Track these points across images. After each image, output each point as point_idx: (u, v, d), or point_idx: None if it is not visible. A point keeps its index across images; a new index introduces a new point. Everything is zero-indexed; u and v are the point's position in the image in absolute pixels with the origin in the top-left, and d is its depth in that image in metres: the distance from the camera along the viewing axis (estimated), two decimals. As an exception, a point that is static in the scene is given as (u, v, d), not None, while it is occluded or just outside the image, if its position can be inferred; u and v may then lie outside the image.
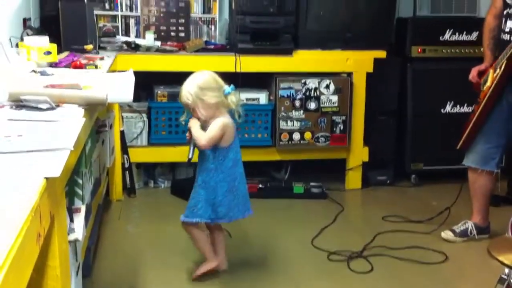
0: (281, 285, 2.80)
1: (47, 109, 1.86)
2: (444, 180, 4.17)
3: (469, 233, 3.29)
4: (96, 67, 2.83)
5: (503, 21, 3.02)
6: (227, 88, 2.61)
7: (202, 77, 2.61)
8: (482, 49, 3.25)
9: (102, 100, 1.98)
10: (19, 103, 1.90)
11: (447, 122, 4.11)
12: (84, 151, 2.08)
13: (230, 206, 2.68)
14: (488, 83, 3.03)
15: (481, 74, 3.18)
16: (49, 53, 2.76)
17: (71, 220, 1.84)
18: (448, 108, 4.14)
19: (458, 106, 4.14)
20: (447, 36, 4.08)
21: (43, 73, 2.52)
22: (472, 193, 3.29)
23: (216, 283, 2.80)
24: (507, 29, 2.98)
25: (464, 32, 4.07)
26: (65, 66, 2.76)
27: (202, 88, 2.57)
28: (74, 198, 2.00)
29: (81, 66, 2.76)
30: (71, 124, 1.68)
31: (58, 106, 1.92)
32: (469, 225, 3.30)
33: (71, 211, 1.88)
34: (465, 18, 4.20)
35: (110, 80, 2.45)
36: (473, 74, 3.20)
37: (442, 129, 4.12)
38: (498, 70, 2.97)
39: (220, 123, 2.59)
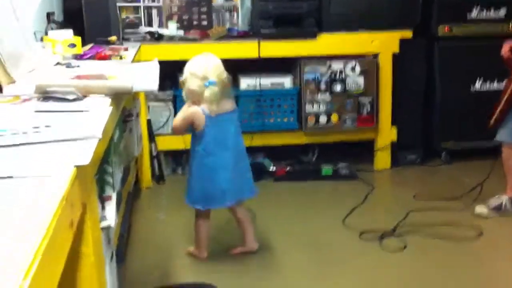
0: (314, 265, 2.80)
1: (74, 99, 1.88)
2: (474, 158, 4.12)
3: (503, 207, 3.25)
4: (120, 57, 2.85)
5: None
6: (209, 80, 2.61)
7: (196, 63, 2.68)
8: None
9: (128, 89, 2.00)
10: (45, 95, 1.93)
11: (476, 100, 4.04)
12: (113, 140, 2.11)
13: (206, 194, 2.76)
14: (523, 59, 2.96)
15: (513, 49, 3.11)
16: (73, 45, 2.80)
17: (103, 207, 1.87)
18: (477, 86, 4.07)
19: (487, 83, 4.07)
20: (474, 13, 3.99)
21: (68, 65, 2.55)
22: (506, 168, 3.24)
23: (251, 264, 2.82)
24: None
25: (492, 9, 3.99)
26: (90, 58, 2.79)
27: (190, 73, 2.65)
28: (105, 186, 2.03)
29: (105, 57, 2.79)
30: (98, 113, 1.70)
31: (85, 97, 1.94)
32: (503, 199, 3.26)
33: (103, 199, 1.91)
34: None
35: (135, 69, 2.47)
36: (505, 49, 3.14)
37: (471, 106, 4.05)
38: None
39: (187, 111, 2.69)
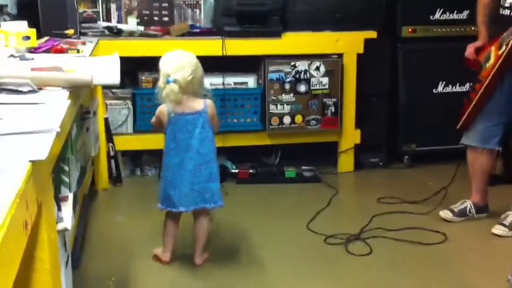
0: (279, 270, 2.71)
1: (29, 92, 1.74)
2: (437, 161, 4.11)
3: (467, 212, 3.23)
4: (78, 51, 2.70)
5: None
6: (167, 78, 2.53)
7: (163, 59, 2.60)
8: (476, 27, 3.18)
9: (87, 82, 1.87)
10: (-2, 87, 1.78)
11: (439, 102, 4.04)
12: (70, 137, 1.97)
13: (166, 194, 2.66)
14: (492, 61, 2.95)
15: (478, 51, 3.10)
16: (28, 38, 2.63)
17: (59, 209, 1.73)
18: (440, 88, 4.07)
19: (450, 86, 4.07)
20: (437, 15, 3.99)
21: (22, 58, 2.39)
22: (472, 172, 3.23)
23: (211, 270, 2.71)
24: (507, 4, 2.90)
25: (455, 11, 3.99)
26: (45, 51, 2.64)
27: (159, 69, 2.59)
28: (61, 186, 1.89)
29: (62, 51, 2.63)
30: (55, 106, 1.57)
31: (40, 89, 1.80)
32: (468, 204, 3.24)
33: (58, 200, 1.77)
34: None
35: (94, 63, 2.33)
36: (469, 50, 3.12)
37: (434, 109, 4.04)
38: (504, 47, 2.87)
39: (158, 108, 2.65)
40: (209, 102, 2.64)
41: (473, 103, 3.08)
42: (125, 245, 2.96)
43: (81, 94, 2.15)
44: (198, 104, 2.60)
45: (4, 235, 0.89)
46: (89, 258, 2.78)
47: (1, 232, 0.88)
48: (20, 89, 1.73)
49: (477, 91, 3.06)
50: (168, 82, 2.51)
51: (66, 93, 1.75)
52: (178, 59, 2.56)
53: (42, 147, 1.20)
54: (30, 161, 1.14)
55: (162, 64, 2.57)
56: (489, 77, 2.98)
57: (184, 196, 2.62)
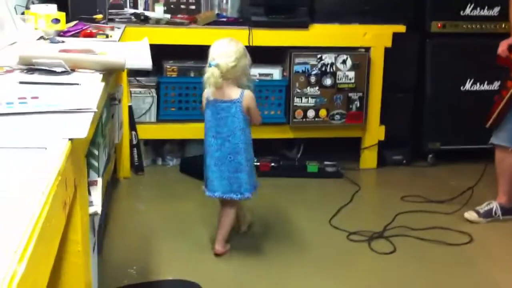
0: (301, 266, 2.67)
1: (62, 73, 1.72)
2: (461, 160, 4.04)
3: (493, 213, 3.17)
4: (107, 36, 2.68)
5: None
6: (209, 62, 2.57)
7: (213, 45, 2.65)
8: (507, 23, 3.10)
9: (120, 65, 1.84)
10: (30, 67, 1.76)
11: (466, 100, 3.97)
12: (101, 120, 1.95)
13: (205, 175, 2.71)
14: (525, 57, 2.88)
15: (511, 48, 3.03)
16: (57, 21, 2.61)
17: (89, 193, 1.71)
18: (467, 86, 3.99)
19: (478, 84, 3.99)
20: (468, 10, 3.92)
21: (52, 40, 2.38)
22: (499, 172, 3.16)
23: (232, 262, 2.68)
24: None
25: (486, 7, 3.91)
26: (74, 35, 2.62)
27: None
28: (90, 171, 1.87)
29: (91, 35, 2.61)
30: (90, 87, 1.54)
31: (73, 70, 1.78)
32: (494, 205, 3.18)
33: (88, 184, 1.74)
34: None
35: (125, 47, 2.31)
36: (503, 47, 3.05)
37: (461, 107, 3.98)
38: None
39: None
40: (246, 92, 2.64)
41: (504, 101, 3.01)
42: (146, 234, 2.94)
43: (112, 78, 2.13)
44: (235, 93, 2.61)
45: (47, 213, 0.86)
46: (111, 246, 2.76)
47: (44, 210, 0.85)
48: (53, 69, 1.70)
49: (508, 89, 2.99)
50: (210, 65, 2.55)
51: (99, 75, 1.73)
52: (224, 46, 2.59)
53: (82, 126, 1.17)
54: (69, 139, 1.11)
55: (210, 49, 2.62)
56: None
57: (212, 182, 2.66)
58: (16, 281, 0.66)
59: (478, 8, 3.92)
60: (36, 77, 1.65)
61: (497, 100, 3.06)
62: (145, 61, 1.96)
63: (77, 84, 1.58)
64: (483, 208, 3.20)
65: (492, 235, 3.07)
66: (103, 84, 1.62)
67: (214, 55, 2.56)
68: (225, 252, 2.75)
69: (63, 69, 1.72)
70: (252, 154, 2.75)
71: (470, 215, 3.19)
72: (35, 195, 0.86)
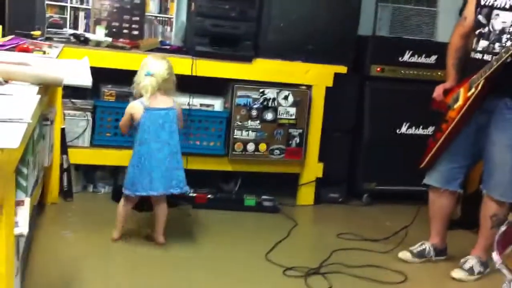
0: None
1: (-5, 83, 1.61)
2: (396, 201, 4.11)
3: (426, 254, 3.20)
4: (44, 53, 2.57)
5: (475, 40, 2.97)
6: (147, 71, 2.88)
7: (146, 59, 2.97)
8: (443, 71, 3.19)
9: (58, 80, 1.75)
10: (-40, 76, 1.64)
11: (402, 143, 4.06)
12: (33, 137, 1.83)
13: (134, 180, 2.95)
14: (460, 102, 2.96)
15: (446, 92, 3.12)
16: (-8, 33, 2.49)
17: (15, 213, 1.58)
18: (403, 129, 4.09)
19: (413, 127, 4.10)
20: (406, 57, 4.04)
21: (-15, 52, 2.25)
22: (432, 213, 3.21)
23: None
24: (479, 48, 2.93)
25: (423, 55, 4.05)
26: (9, 50, 2.49)
27: (140, 68, 2.96)
28: (17, 190, 1.74)
29: (27, 50, 2.50)
30: (25, 98, 1.44)
31: (6, 82, 1.67)
32: (427, 246, 3.21)
33: (14, 203, 1.62)
34: (423, 41, 4.19)
35: (63, 64, 2.21)
36: (438, 91, 3.13)
37: (396, 149, 4.05)
38: (473, 90, 2.89)
39: (127, 107, 2.98)
40: (177, 101, 3.03)
41: (439, 143, 3.08)
42: (72, 262, 2.78)
43: (46, 95, 2.02)
44: (170, 102, 2.96)
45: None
46: (33, 274, 2.59)
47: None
48: (-15, 79, 1.59)
49: (443, 131, 3.06)
50: (148, 74, 2.87)
51: (35, 88, 1.63)
52: (158, 61, 2.93)
53: (13, 136, 1.08)
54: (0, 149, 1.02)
55: (144, 61, 2.95)
56: (457, 118, 2.98)
57: (154, 182, 2.92)
58: None
59: (416, 55, 4.05)
60: (-35, 86, 1.54)
61: (431, 143, 3.13)
62: (85, 79, 1.87)
63: (10, 95, 1.48)
64: (416, 248, 3.22)
65: (425, 275, 3.09)
66: (38, 96, 1.53)
67: (149, 67, 2.89)
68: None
69: (-4, 80, 1.61)
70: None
71: (404, 255, 3.21)
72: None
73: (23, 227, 1.53)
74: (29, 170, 1.85)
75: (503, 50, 2.74)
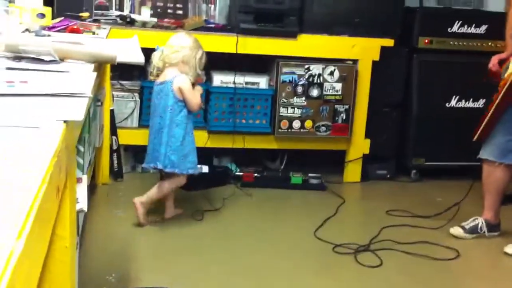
0: (285, 278, 2.59)
1: (50, 61, 1.63)
2: (445, 177, 4.03)
3: (479, 229, 3.14)
4: (93, 33, 2.60)
5: None
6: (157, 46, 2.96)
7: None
8: (493, 42, 3.08)
9: (111, 58, 1.76)
10: (17, 55, 1.67)
11: (451, 117, 3.96)
12: (88, 115, 1.86)
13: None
14: (510, 70, 2.87)
15: (502, 63, 3.02)
16: (43, 16, 2.52)
17: (75, 189, 1.61)
18: (453, 103, 3.99)
19: (463, 100, 3.99)
20: (455, 28, 3.92)
21: (38, 33, 2.28)
22: (485, 187, 3.13)
23: (216, 270, 2.59)
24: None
25: (473, 25, 3.92)
26: (60, 31, 2.53)
27: None
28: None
29: (78, 31, 2.53)
30: (82, 75, 1.46)
31: (62, 60, 1.69)
32: (480, 221, 3.15)
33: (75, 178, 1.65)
34: (472, 11, 4.07)
35: (114, 43, 2.22)
36: (493, 61, 3.04)
37: (446, 124, 3.97)
38: None
39: None
40: (180, 76, 2.87)
41: (490, 113, 2.99)
42: (125, 241, 2.84)
43: (101, 72, 2.04)
44: (170, 76, 2.88)
45: (44, 192, 0.78)
46: (88, 252, 2.65)
47: (41, 187, 0.77)
48: (41, 57, 1.62)
49: (494, 101, 2.98)
50: (156, 48, 2.92)
51: (91, 66, 1.65)
52: (175, 37, 2.96)
53: (77, 109, 1.09)
54: (64, 121, 1.03)
55: None
56: (506, 87, 2.90)
57: (147, 155, 3.00)
58: (15, 258, 0.58)
59: (466, 26, 3.93)
60: (23, 65, 1.56)
61: (485, 113, 3.05)
62: (137, 56, 1.88)
63: (67, 72, 1.49)
64: (468, 224, 3.16)
65: (478, 251, 3.03)
66: (95, 73, 1.54)
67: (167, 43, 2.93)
68: (136, 208, 2.96)
69: (52, 58, 1.63)
70: (184, 134, 2.91)
71: (456, 230, 3.16)
72: (32, 172, 0.78)
73: (82, 203, 1.56)
74: (85, 148, 1.88)
75: None
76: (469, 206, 3.31)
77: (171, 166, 2.92)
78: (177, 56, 2.87)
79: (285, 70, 3.64)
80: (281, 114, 3.68)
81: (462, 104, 3.99)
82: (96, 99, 2.89)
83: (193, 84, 2.93)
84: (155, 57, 2.90)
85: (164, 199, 3.09)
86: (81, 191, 1.63)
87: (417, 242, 3.01)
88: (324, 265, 2.75)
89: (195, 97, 2.91)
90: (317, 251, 2.89)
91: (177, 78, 2.87)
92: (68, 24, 2.59)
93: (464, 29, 3.93)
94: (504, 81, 2.91)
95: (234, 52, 3.50)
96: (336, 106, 3.74)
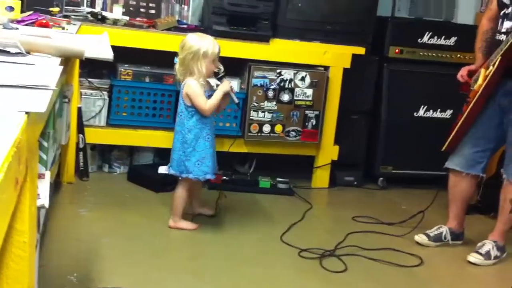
0: (250, 283, 2.58)
1: (17, 54, 1.59)
2: (411, 185, 4.08)
3: (443, 238, 3.18)
4: (63, 29, 2.56)
5: (500, 22, 2.92)
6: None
7: None
8: (462, 54, 3.12)
9: (80, 52, 1.73)
10: (-18, 46, 1.63)
11: (419, 126, 4.02)
12: (53, 110, 1.82)
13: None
14: (480, 81, 2.92)
15: (471, 74, 3.07)
16: (11, 8, 2.48)
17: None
18: (421, 112, 4.04)
19: (431, 111, 4.05)
20: (425, 38, 3.98)
21: (6, 26, 2.23)
22: (451, 197, 3.18)
23: (178, 274, 2.56)
24: (503, 30, 2.88)
25: (443, 37, 3.99)
26: (28, 25, 2.48)
27: None
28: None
29: (47, 25, 2.48)
30: (48, 68, 1.43)
31: (28, 53, 1.66)
32: (444, 230, 3.19)
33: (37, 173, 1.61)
34: (442, 22, 4.13)
35: (83, 39, 2.19)
36: (462, 73, 3.08)
37: (413, 133, 4.02)
38: (491, 67, 2.86)
39: None
40: (187, 82, 2.89)
41: (459, 124, 3.04)
42: (88, 241, 2.79)
43: (67, 69, 2.01)
44: (184, 80, 2.91)
45: (1, 181, 0.76)
46: (49, 251, 2.60)
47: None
48: (7, 49, 1.58)
49: (463, 112, 3.03)
50: (175, 62, 2.96)
51: (57, 59, 1.62)
52: (180, 41, 2.94)
53: (40, 101, 1.06)
54: (26, 112, 1.00)
55: None
56: (475, 98, 2.95)
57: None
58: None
59: (436, 37, 3.99)
60: (-13, 56, 1.53)
61: (453, 125, 3.09)
62: (106, 53, 1.85)
63: (33, 64, 1.46)
64: (433, 232, 3.20)
65: (441, 259, 3.07)
66: (61, 67, 1.51)
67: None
68: (176, 227, 2.99)
69: (18, 51, 1.60)
70: (196, 139, 2.92)
71: (420, 238, 3.19)
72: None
73: (44, 199, 1.53)
74: (49, 144, 1.84)
75: None
76: (434, 215, 3.36)
77: (186, 172, 2.93)
78: (184, 65, 2.89)
79: (256, 74, 3.64)
80: (251, 117, 3.67)
81: (430, 114, 4.05)
82: (63, 96, 2.84)
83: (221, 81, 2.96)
84: (175, 69, 2.95)
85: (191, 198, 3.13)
86: (44, 187, 1.59)
87: (382, 249, 3.03)
88: (289, 270, 2.74)
89: (202, 102, 2.87)
90: (283, 255, 2.89)
91: (185, 84, 2.89)
92: (37, 18, 2.54)
93: (434, 40, 3.99)
94: (474, 92, 2.96)
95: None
96: (307, 111, 3.75)
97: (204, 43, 2.85)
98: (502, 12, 2.91)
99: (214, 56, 2.87)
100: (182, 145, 2.92)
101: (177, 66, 2.92)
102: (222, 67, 2.95)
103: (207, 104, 2.87)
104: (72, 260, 2.57)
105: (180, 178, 2.98)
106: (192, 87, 2.86)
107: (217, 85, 2.94)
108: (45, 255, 2.53)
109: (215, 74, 2.94)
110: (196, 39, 2.88)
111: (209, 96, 2.92)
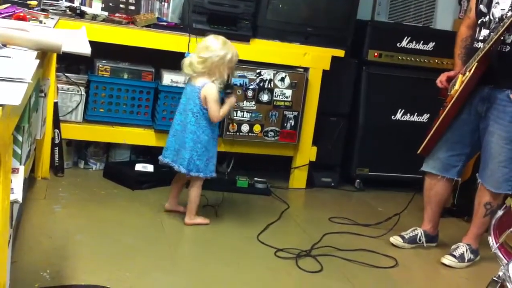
0: (225, 282, 2.57)
1: (-8, 46, 1.57)
2: (388, 188, 4.12)
3: (418, 240, 3.21)
4: (40, 22, 2.52)
5: (477, 30, 2.96)
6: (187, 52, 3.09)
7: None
8: (439, 60, 3.15)
9: (57, 46, 1.71)
10: (-44, 38, 1.60)
11: (396, 130, 4.07)
12: (29, 104, 1.79)
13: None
14: (456, 87, 2.95)
15: (450, 80, 3.10)
16: (-12, 0, 2.44)
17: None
18: (398, 116, 4.08)
19: (408, 114, 4.09)
20: (404, 43, 4.02)
21: (-19, 18, 2.20)
22: (426, 200, 3.21)
23: (153, 275, 2.54)
24: (480, 37, 2.92)
25: (421, 42, 4.03)
26: (5, 17, 2.44)
27: None
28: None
29: (24, 18, 2.44)
30: (24, 61, 1.41)
31: (4, 46, 1.63)
32: (419, 232, 3.22)
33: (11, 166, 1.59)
34: (421, 28, 4.17)
35: (60, 33, 2.16)
36: (441, 78, 3.10)
37: (390, 136, 4.06)
38: (467, 73, 2.90)
39: None
40: (208, 84, 2.93)
41: (434, 128, 3.07)
42: (62, 237, 2.75)
43: (44, 63, 1.98)
44: (200, 82, 2.94)
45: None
46: (22, 247, 2.56)
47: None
48: (-18, 41, 1.55)
49: (439, 116, 3.06)
50: (186, 55, 3.00)
51: (34, 53, 1.59)
52: (204, 40, 2.99)
53: (15, 93, 1.04)
54: (0, 105, 0.98)
55: None
56: (451, 103, 2.98)
57: (167, 149, 3.06)
58: None
59: (414, 42, 4.04)
60: (-38, 47, 1.50)
61: (429, 129, 3.12)
62: (84, 47, 1.83)
63: (9, 57, 1.44)
64: (408, 234, 3.23)
65: (416, 261, 3.10)
66: (37, 61, 1.49)
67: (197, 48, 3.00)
68: (193, 223, 3.07)
69: (-6, 43, 1.57)
70: (208, 139, 2.99)
71: (395, 240, 3.21)
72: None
73: (17, 194, 1.50)
74: (24, 138, 1.81)
75: (493, 33, 2.76)
76: (409, 217, 3.39)
77: (196, 170, 3.00)
78: (205, 66, 2.91)
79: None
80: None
81: (407, 117, 4.09)
82: (40, 90, 2.80)
83: (229, 93, 3.02)
84: (184, 65, 2.95)
85: (173, 190, 3.20)
86: (17, 181, 1.56)
87: (357, 250, 3.06)
88: (265, 269, 2.74)
89: (217, 109, 2.94)
90: (259, 255, 2.89)
91: (206, 86, 2.92)
92: (14, 11, 2.50)
93: (412, 45, 4.03)
94: (450, 97, 2.99)
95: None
96: (285, 112, 3.76)
97: (230, 50, 2.94)
98: (480, 20, 2.94)
99: (234, 64, 3.00)
100: (195, 145, 2.97)
101: (188, 62, 2.93)
102: (232, 81, 3.06)
103: (220, 112, 2.96)
104: (44, 257, 2.54)
105: (193, 178, 3.05)
106: (213, 92, 2.93)
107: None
108: (18, 251, 2.50)
109: (225, 87, 3.01)
110: (222, 43, 2.94)
111: None
